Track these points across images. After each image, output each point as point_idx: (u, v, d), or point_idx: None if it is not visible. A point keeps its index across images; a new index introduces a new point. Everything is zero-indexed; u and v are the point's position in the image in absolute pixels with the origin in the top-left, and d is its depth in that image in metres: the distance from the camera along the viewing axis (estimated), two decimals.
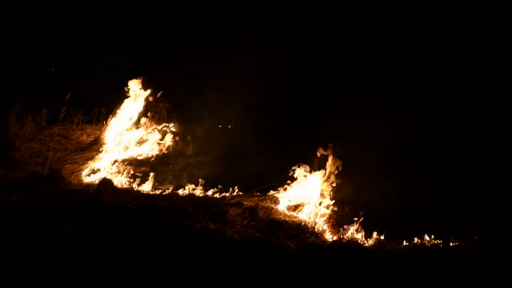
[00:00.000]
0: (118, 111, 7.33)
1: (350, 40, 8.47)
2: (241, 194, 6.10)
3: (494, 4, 8.02)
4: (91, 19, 9.11)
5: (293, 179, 6.04)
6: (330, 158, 5.87)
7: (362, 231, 5.32)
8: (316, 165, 5.93)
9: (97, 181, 6.00)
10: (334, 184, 5.85)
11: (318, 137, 6.80)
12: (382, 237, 5.22)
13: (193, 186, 6.17)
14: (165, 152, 7.02)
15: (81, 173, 6.31)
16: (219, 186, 6.18)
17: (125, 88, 7.33)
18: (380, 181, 6.04)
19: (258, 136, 7.32)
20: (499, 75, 7.72)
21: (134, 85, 7.33)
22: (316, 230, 5.34)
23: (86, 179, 6.19)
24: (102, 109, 7.64)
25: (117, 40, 9.03)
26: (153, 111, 7.52)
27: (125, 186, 6.16)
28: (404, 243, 5.21)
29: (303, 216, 5.59)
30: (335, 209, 5.69)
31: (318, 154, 5.92)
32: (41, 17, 8.93)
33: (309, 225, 5.41)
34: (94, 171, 6.36)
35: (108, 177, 6.11)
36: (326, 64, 8.38)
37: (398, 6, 8.43)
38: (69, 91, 7.01)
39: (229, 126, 7.75)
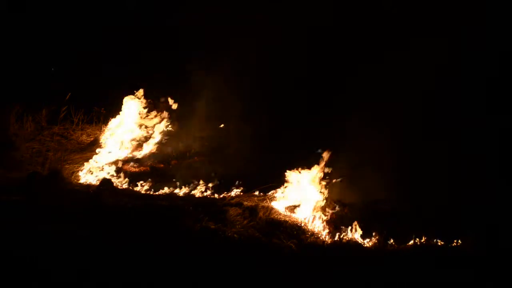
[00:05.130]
0: (118, 111, 7.33)
1: (350, 40, 8.46)
2: (241, 194, 6.10)
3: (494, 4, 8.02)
4: (91, 19, 9.11)
5: (293, 179, 6.02)
6: (327, 158, 5.87)
7: (362, 231, 5.31)
8: (316, 165, 5.92)
9: (97, 181, 6.01)
10: (333, 184, 5.85)
11: (318, 137, 6.82)
12: (382, 237, 5.21)
13: (193, 186, 6.17)
14: (165, 152, 7.02)
15: (81, 173, 6.31)
16: (219, 186, 6.18)
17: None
18: (380, 181, 6.03)
19: (257, 136, 7.31)
20: (499, 75, 7.71)
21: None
22: (315, 230, 5.34)
23: (86, 179, 6.19)
24: (102, 109, 7.65)
25: (117, 40, 9.03)
26: (153, 111, 7.52)
27: (125, 186, 6.16)
28: (404, 243, 5.21)
29: (303, 216, 5.59)
30: (335, 209, 5.68)
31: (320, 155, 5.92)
32: (41, 17, 8.92)
33: (309, 225, 5.41)
34: (94, 171, 6.36)
35: (108, 177, 6.12)
36: (327, 63, 8.37)
37: (398, 5, 8.42)
38: (69, 91, 7.01)
39: (229, 126, 7.75)
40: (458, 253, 5.06)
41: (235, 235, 4.74)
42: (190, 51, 8.45)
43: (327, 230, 5.37)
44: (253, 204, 5.57)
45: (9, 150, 6.10)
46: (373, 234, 5.26)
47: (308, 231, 5.29)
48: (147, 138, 7.24)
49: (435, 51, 7.61)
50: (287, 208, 5.77)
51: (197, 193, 6.09)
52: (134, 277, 3.80)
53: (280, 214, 5.60)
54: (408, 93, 7.16)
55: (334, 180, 5.90)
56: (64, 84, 7.67)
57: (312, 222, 5.48)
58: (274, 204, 5.84)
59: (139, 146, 7.08)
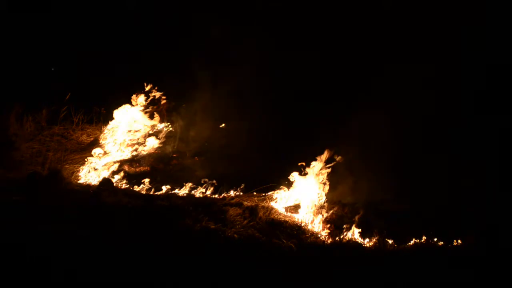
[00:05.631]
0: (118, 111, 7.33)
1: (350, 40, 8.47)
2: (241, 194, 6.10)
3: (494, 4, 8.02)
4: (92, 19, 9.12)
5: (293, 179, 6.02)
6: (327, 158, 5.88)
7: (362, 231, 5.31)
8: (315, 165, 5.92)
9: (97, 181, 6.01)
10: (332, 184, 5.85)
11: (318, 137, 6.82)
12: (382, 237, 5.21)
13: (192, 186, 6.17)
14: (165, 152, 7.02)
15: (81, 173, 6.31)
16: (219, 186, 6.17)
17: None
18: (380, 181, 6.04)
19: (258, 136, 7.32)
20: (499, 76, 7.72)
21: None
22: (315, 230, 5.34)
23: (86, 179, 6.19)
24: (102, 109, 7.65)
25: (117, 40, 9.03)
26: (153, 111, 7.53)
27: (125, 186, 6.16)
28: (404, 243, 5.21)
29: (303, 216, 5.59)
30: (335, 209, 5.68)
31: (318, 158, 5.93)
32: (42, 17, 8.93)
33: (309, 225, 5.41)
34: (94, 171, 6.36)
35: (108, 177, 6.11)
36: (327, 64, 8.38)
37: (398, 5, 8.43)
38: (69, 91, 7.01)
39: (229, 126, 7.75)
40: (458, 253, 5.05)
41: (235, 235, 4.74)
42: (190, 51, 8.45)
43: (327, 230, 5.36)
44: (253, 204, 5.57)
45: (9, 150, 6.09)
46: (373, 234, 5.26)
47: (308, 231, 5.28)
48: (148, 138, 7.24)
49: (435, 51, 7.62)
50: (287, 208, 5.77)
51: (197, 193, 6.09)
52: (134, 277, 3.80)
53: (280, 214, 5.60)
54: (408, 93, 7.16)
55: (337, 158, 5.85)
56: (64, 84, 7.67)
57: (312, 222, 5.48)
58: (274, 204, 5.84)
59: (139, 146, 7.08)
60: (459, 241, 5.23)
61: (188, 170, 6.59)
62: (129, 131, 7.25)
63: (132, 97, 7.41)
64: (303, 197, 5.81)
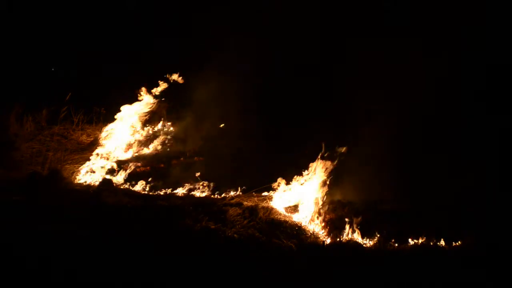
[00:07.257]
0: (118, 111, 7.33)
1: (351, 40, 8.47)
2: (241, 194, 6.10)
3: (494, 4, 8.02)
4: (91, 19, 9.12)
5: (293, 179, 6.02)
6: (326, 159, 5.88)
7: (362, 231, 5.31)
8: (315, 165, 5.92)
9: (97, 181, 6.01)
10: (332, 184, 5.85)
11: (318, 137, 6.81)
12: (382, 237, 5.21)
13: (192, 186, 6.17)
14: (165, 152, 7.03)
15: (81, 173, 6.31)
16: (219, 186, 6.17)
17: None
18: (380, 180, 6.04)
19: (258, 136, 7.31)
20: (499, 76, 7.72)
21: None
22: (315, 230, 5.34)
23: (86, 179, 6.19)
24: (102, 109, 7.66)
25: (117, 40, 9.03)
26: (153, 111, 7.53)
27: (125, 186, 6.16)
28: (404, 243, 5.21)
29: (303, 216, 5.59)
30: (335, 209, 5.68)
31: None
32: (42, 17, 8.93)
33: (308, 225, 5.41)
34: (94, 171, 6.36)
35: (108, 177, 6.12)
36: (327, 64, 8.38)
37: (398, 5, 8.43)
38: (69, 91, 7.01)
39: (228, 126, 7.75)
40: (458, 253, 5.05)
41: (235, 235, 4.74)
42: (190, 51, 8.46)
43: (327, 230, 5.36)
44: (253, 204, 5.57)
45: (9, 150, 6.09)
46: (373, 234, 5.26)
47: (308, 231, 5.29)
48: (147, 138, 7.24)
49: (435, 51, 7.62)
50: (287, 208, 5.77)
51: (197, 193, 6.09)
52: (134, 277, 3.80)
53: (280, 214, 5.60)
54: (409, 93, 7.17)
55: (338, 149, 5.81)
56: (64, 84, 7.67)
57: (312, 222, 5.48)
58: (274, 204, 5.84)
59: (140, 146, 7.08)
60: (459, 241, 5.23)
61: (188, 170, 6.59)
62: (129, 130, 7.26)
63: (131, 97, 7.42)
64: (303, 197, 5.80)
